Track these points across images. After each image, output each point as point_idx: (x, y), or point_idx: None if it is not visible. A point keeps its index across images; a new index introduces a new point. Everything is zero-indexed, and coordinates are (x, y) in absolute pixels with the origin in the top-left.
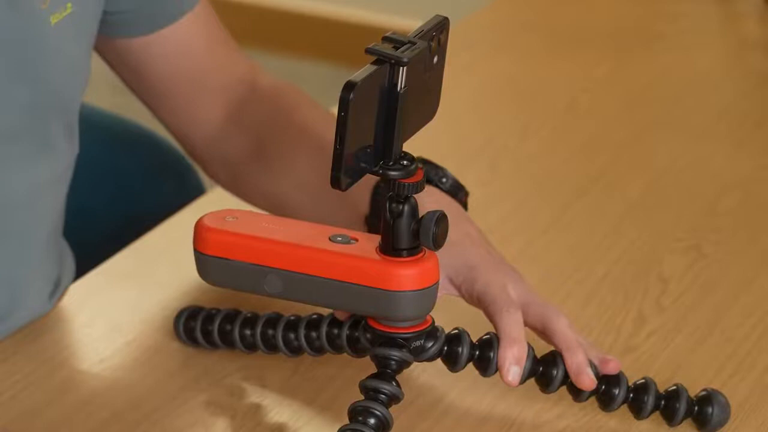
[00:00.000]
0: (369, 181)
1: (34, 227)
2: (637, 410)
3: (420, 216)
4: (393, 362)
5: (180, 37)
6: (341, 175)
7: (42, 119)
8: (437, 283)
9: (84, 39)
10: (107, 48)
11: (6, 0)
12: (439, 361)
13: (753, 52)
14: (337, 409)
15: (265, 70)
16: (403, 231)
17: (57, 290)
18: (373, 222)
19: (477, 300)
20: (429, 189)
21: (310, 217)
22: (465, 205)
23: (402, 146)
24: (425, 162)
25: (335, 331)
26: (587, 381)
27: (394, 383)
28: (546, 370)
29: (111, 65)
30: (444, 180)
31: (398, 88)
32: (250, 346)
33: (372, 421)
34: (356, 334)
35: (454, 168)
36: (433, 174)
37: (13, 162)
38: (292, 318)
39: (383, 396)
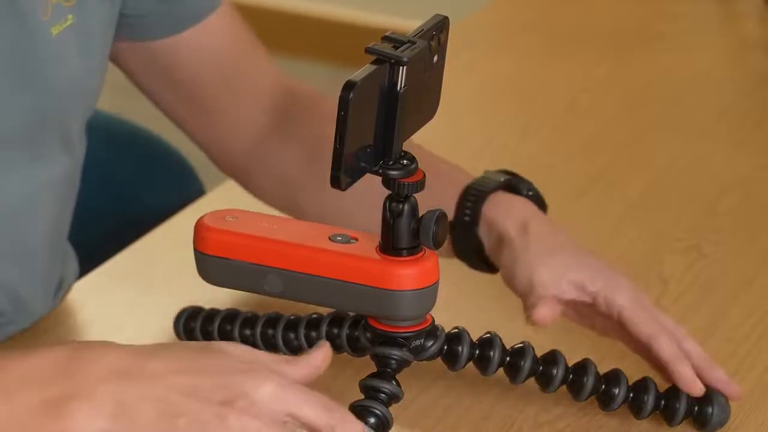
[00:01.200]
0: (450, 189)
1: (33, 231)
2: (637, 410)
3: (420, 216)
4: (393, 361)
5: (207, 37)
6: (341, 174)
7: (37, 129)
8: (437, 282)
9: (87, 50)
10: (131, 54)
11: (7, 11)
12: (439, 360)
13: (753, 52)
14: None
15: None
16: (403, 230)
17: (60, 291)
18: (458, 236)
19: (618, 312)
20: (521, 198)
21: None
22: None
23: (402, 146)
24: (511, 174)
25: (335, 330)
26: (698, 388)
27: (394, 382)
28: (546, 369)
29: (135, 75)
30: (530, 192)
31: (398, 88)
32: (251, 346)
33: (372, 420)
34: (356, 333)
35: None
36: (521, 185)
37: (8, 168)
38: (292, 318)
39: (383, 395)
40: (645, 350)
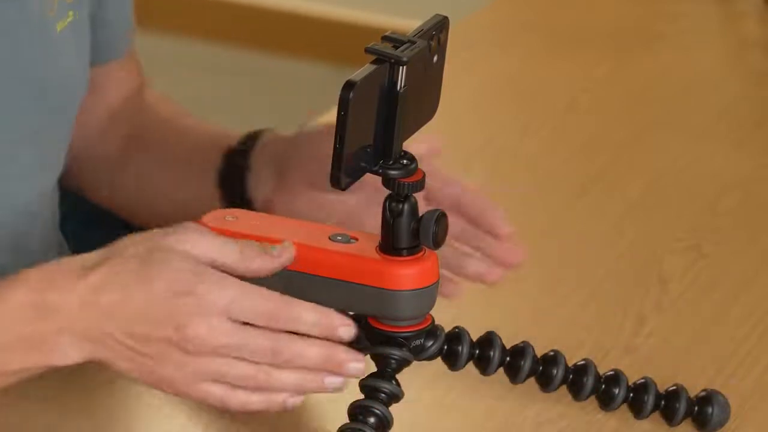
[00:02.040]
0: (217, 147)
1: (35, 235)
2: (637, 410)
3: (420, 216)
4: (393, 361)
5: (99, 79)
6: (341, 174)
7: (45, 128)
8: (437, 282)
9: (83, 48)
10: None
11: (15, 8)
12: (439, 360)
13: (753, 52)
14: (337, 409)
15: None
16: (402, 230)
17: None
18: (226, 186)
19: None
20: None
21: (168, 192)
22: None
23: (402, 145)
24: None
25: None
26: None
27: (394, 382)
28: (546, 369)
29: None
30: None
31: (398, 88)
32: None
33: (372, 420)
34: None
35: (454, 168)
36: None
37: (15, 172)
38: None
39: (383, 395)
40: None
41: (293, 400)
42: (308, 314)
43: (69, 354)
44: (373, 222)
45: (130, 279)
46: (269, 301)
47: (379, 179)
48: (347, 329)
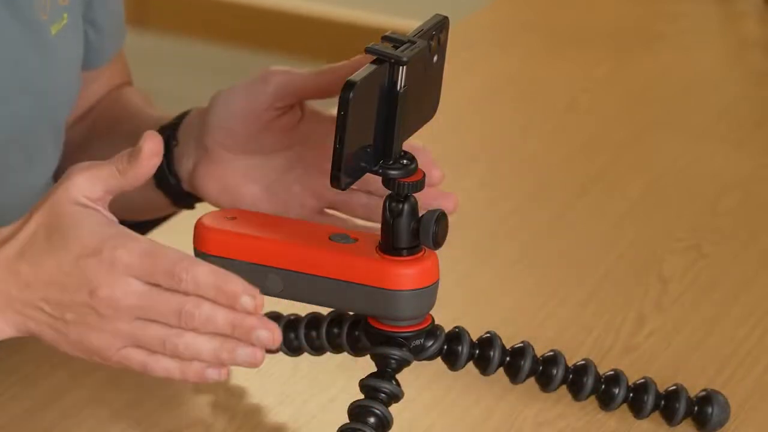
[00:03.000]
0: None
1: None
2: (637, 410)
3: (420, 216)
4: (393, 361)
5: (86, 81)
6: (341, 174)
7: (35, 129)
8: (437, 282)
9: (76, 50)
10: None
11: (9, 12)
12: (439, 360)
13: (753, 52)
14: (337, 409)
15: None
16: (402, 230)
17: None
18: (163, 186)
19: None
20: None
21: None
22: None
23: (402, 145)
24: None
25: (335, 330)
26: None
27: (394, 382)
28: (546, 369)
29: None
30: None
31: (398, 88)
32: None
33: (372, 420)
34: (356, 333)
35: (454, 168)
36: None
37: (6, 171)
38: (292, 318)
39: (383, 395)
40: None
41: (213, 372)
42: (203, 276)
43: (2, 328)
44: (299, 187)
45: (42, 248)
46: (168, 259)
47: (305, 135)
48: (249, 299)
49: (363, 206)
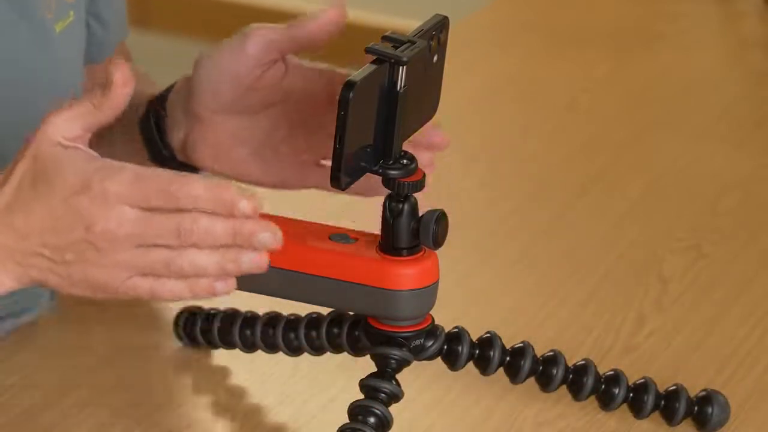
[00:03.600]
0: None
1: None
2: (637, 410)
3: (420, 215)
4: (393, 361)
5: (89, 77)
6: (341, 174)
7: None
8: (437, 281)
9: (80, 48)
10: None
11: (15, 10)
12: (439, 360)
13: (753, 52)
14: (337, 409)
15: None
16: (402, 230)
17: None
18: (158, 158)
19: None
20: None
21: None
22: None
23: (402, 145)
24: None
25: (335, 330)
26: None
27: (394, 382)
28: (546, 369)
29: None
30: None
31: (398, 88)
32: (251, 346)
33: (372, 420)
34: (356, 333)
35: (454, 168)
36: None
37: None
38: (292, 318)
39: (383, 395)
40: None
41: (221, 285)
42: (199, 189)
43: (2, 281)
44: (288, 149)
45: (29, 197)
46: (160, 179)
47: (290, 91)
48: (247, 203)
49: None
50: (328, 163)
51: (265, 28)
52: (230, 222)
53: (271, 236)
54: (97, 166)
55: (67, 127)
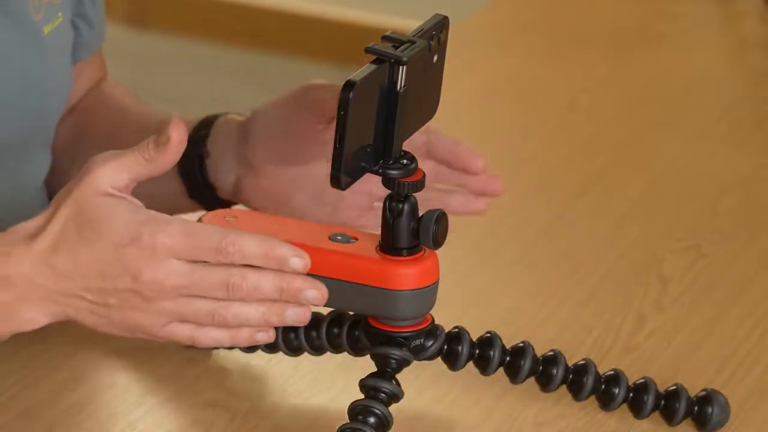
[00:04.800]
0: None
1: None
2: (637, 410)
3: (420, 215)
4: (393, 361)
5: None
6: (341, 174)
7: (28, 132)
8: (437, 281)
9: (67, 49)
10: None
11: (3, 12)
12: (439, 360)
13: (753, 52)
14: (337, 409)
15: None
16: (402, 230)
17: None
18: (196, 195)
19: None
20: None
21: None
22: None
23: (402, 145)
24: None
25: (335, 330)
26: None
27: (394, 382)
28: (546, 369)
29: None
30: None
31: (398, 88)
32: (251, 346)
33: (372, 419)
34: (356, 333)
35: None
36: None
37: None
38: None
39: (383, 395)
40: None
41: (262, 335)
42: (251, 246)
43: (35, 319)
44: (348, 191)
45: (74, 241)
46: (212, 235)
47: None
48: (298, 260)
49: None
50: (380, 204)
51: (322, 87)
52: (278, 278)
53: (317, 293)
54: (145, 217)
55: (114, 177)
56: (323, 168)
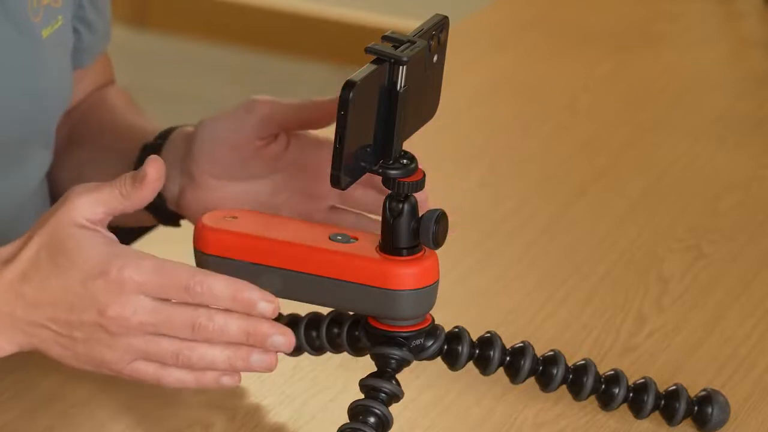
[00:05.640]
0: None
1: (25, 227)
2: (637, 410)
3: (420, 215)
4: (393, 361)
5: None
6: (341, 174)
7: (27, 132)
8: (437, 281)
9: (67, 52)
10: None
11: (1, 14)
12: (439, 360)
13: (753, 52)
14: (337, 409)
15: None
16: (402, 230)
17: None
18: (149, 206)
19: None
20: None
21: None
22: None
23: (402, 145)
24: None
25: (335, 330)
26: None
27: (394, 382)
28: (546, 369)
29: None
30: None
31: (398, 88)
32: None
33: (372, 419)
34: (356, 333)
35: (454, 168)
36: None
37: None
38: (292, 318)
39: (383, 395)
40: None
41: (228, 379)
42: (220, 287)
43: (3, 347)
44: (287, 211)
45: (45, 270)
46: (182, 273)
47: (291, 160)
48: (267, 305)
49: (352, 224)
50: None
51: (269, 102)
52: (245, 322)
53: (284, 339)
54: (116, 251)
55: (90, 210)
56: (265, 185)
